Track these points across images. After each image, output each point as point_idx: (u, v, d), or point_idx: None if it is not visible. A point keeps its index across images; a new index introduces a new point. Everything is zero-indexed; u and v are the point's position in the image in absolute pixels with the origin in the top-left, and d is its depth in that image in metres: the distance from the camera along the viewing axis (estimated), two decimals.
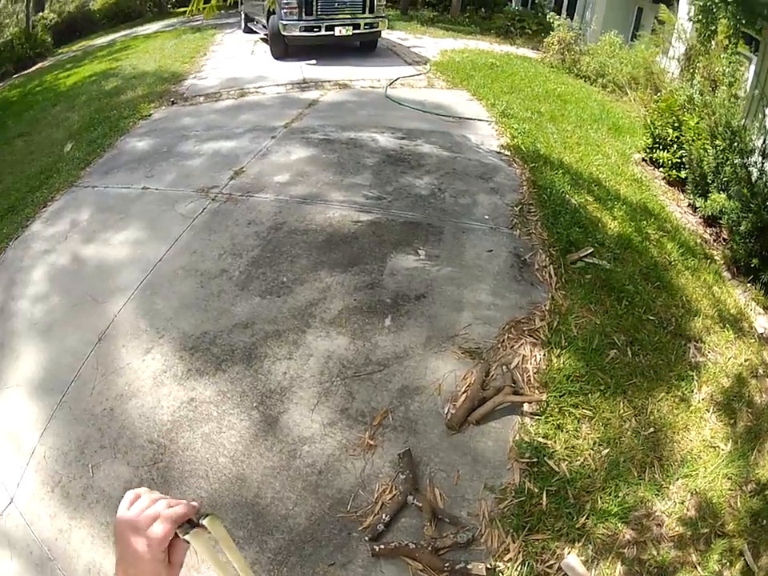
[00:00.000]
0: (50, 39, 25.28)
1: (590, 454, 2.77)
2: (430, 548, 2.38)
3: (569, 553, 2.39)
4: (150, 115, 7.73)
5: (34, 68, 20.68)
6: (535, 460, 2.71)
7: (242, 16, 13.60)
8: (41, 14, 29.44)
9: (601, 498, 2.59)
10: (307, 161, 5.55)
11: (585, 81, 9.93)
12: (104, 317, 3.86)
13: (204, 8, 3.85)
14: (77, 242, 4.83)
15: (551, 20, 10.87)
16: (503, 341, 3.32)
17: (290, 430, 2.98)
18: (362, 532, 2.52)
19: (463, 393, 3.00)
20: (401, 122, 6.60)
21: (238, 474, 2.83)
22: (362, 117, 6.76)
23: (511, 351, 3.26)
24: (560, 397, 2.98)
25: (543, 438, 2.80)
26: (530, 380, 3.08)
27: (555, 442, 2.80)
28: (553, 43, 10.54)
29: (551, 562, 2.39)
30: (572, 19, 12.56)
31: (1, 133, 10.16)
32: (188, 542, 0.76)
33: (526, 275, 3.94)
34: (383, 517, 2.52)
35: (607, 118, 7.72)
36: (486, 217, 4.60)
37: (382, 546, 2.42)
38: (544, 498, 2.56)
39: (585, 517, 2.51)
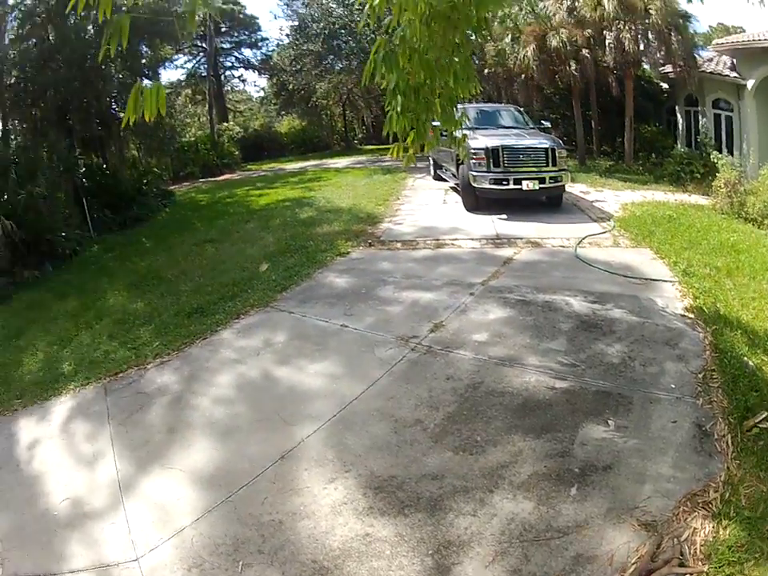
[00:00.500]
0: (237, 152, 31.35)
1: None
2: None
3: None
4: (348, 253, 9.77)
5: (221, 177, 25.61)
6: None
7: (431, 162, 16.52)
8: (225, 124, 36.89)
9: None
10: (505, 321, 6.72)
11: (753, 224, 11.11)
12: (290, 438, 4.99)
13: (403, 156, 5.09)
14: (269, 361, 6.31)
15: (715, 160, 12.83)
16: (678, 513, 3.87)
17: None
18: None
19: (633, 564, 3.54)
20: (592, 284, 7.74)
21: None
22: (555, 278, 7.97)
23: (684, 524, 3.78)
24: (719, 567, 3.41)
25: None
26: (696, 552, 3.54)
27: None
28: (720, 186, 12.13)
29: None
30: (732, 154, 14.41)
31: (191, 234, 13.12)
32: None
33: (705, 446, 4.51)
34: None
35: None
36: (672, 386, 5.30)
37: None
38: None
39: None
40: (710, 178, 13.45)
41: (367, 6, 4.04)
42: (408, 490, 4.33)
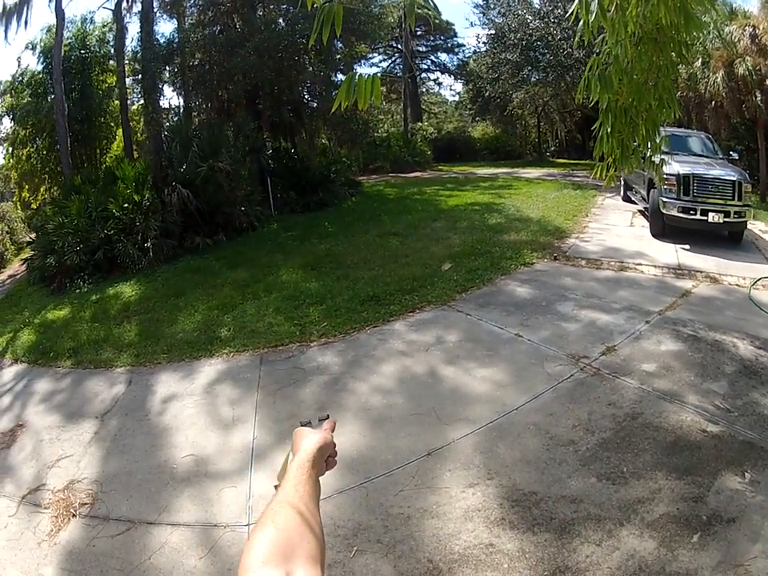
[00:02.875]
0: (429, 152, 32.48)
1: None
2: None
3: None
4: (532, 264, 9.88)
5: (411, 174, 26.66)
6: None
7: (622, 182, 16.49)
8: (419, 123, 38.51)
9: None
10: (674, 355, 6.55)
11: None
12: (441, 437, 5.14)
13: (605, 176, 5.11)
14: (437, 359, 6.55)
15: None
16: None
17: None
18: None
19: None
20: (760, 329, 7.30)
21: None
22: (727, 317, 7.64)
23: None
24: None
25: None
26: None
27: None
28: None
29: None
30: None
31: (376, 224, 13.81)
32: None
33: None
34: None
35: None
36: None
37: None
38: None
39: None
40: None
41: (581, 22, 4.09)
42: (544, 508, 4.35)
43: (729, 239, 11.85)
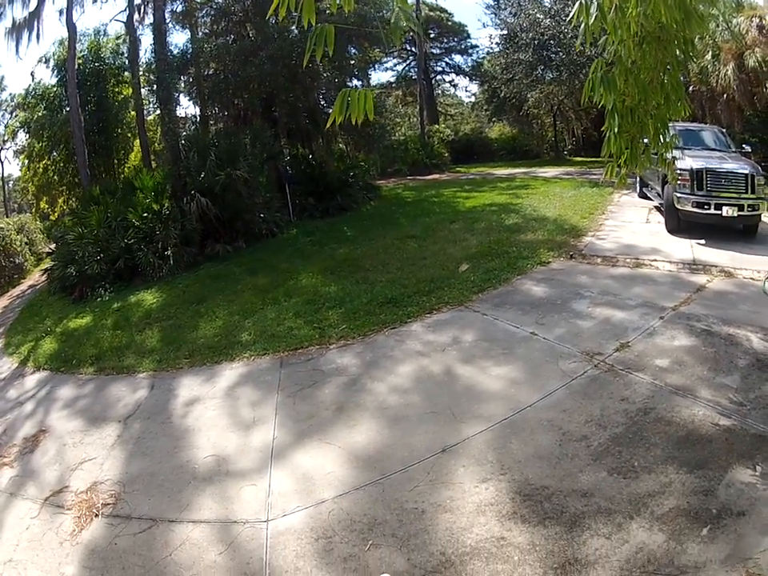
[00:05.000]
0: (447, 154, 32.73)
1: None
2: None
3: None
4: (548, 263, 10.00)
5: (429, 177, 26.89)
6: None
7: (638, 179, 16.63)
8: (436, 126, 38.86)
9: None
10: (687, 350, 6.63)
11: None
12: (457, 434, 5.29)
13: (616, 176, 5.25)
14: (453, 358, 6.72)
15: None
16: None
17: None
18: None
19: None
20: None
21: None
22: (741, 311, 7.71)
23: None
24: None
25: None
26: None
27: None
28: None
29: None
30: None
31: (394, 228, 13.99)
32: None
33: None
34: None
35: None
36: None
37: None
38: None
39: None
40: None
41: (582, 25, 4.24)
42: (555, 502, 4.48)
43: (744, 233, 11.92)
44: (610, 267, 9.81)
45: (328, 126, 3.58)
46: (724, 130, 15.30)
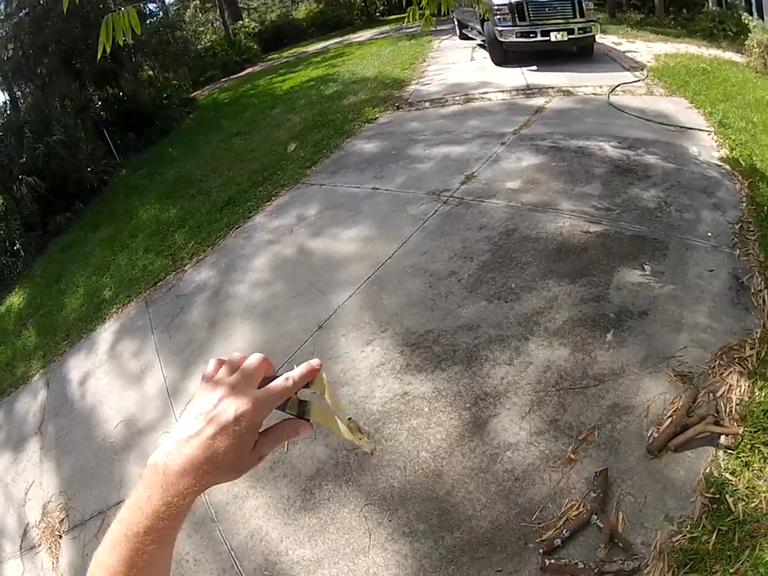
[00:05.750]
0: (256, 46, 31.65)
1: (765, 497, 3.14)
2: (596, 570, 2.99)
3: None
4: (375, 119, 10.00)
5: (243, 73, 26.01)
6: (717, 496, 3.15)
7: (456, 23, 16.88)
8: (240, 22, 37.25)
9: (761, 545, 2.94)
10: (537, 168, 6.83)
11: None
12: (327, 307, 5.31)
13: (421, 18, 5.18)
14: (303, 236, 6.68)
15: (746, 21, 12.75)
16: (714, 367, 3.91)
17: (497, 435, 3.77)
18: (539, 544, 3.15)
19: (668, 417, 3.59)
20: (625, 130, 7.78)
21: (436, 470, 3.67)
22: (588, 125, 8.05)
23: (719, 379, 3.82)
24: (754, 432, 3.39)
25: (730, 474, 3.23)
26: (731, 411, 3.59)
27: (739, 479, 3.22)
28: (753, 46, 11.95)
29: None
30: (762, 18, 14.17)
31: (217, 132, 13.63)
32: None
33: (742, 299, 4.52)
34: (563, 532, 3.14)
35: None
36: (709, 234, 5.35)
37: (552, 561, 3.09)
38: (713, 538, 3.01)
39: (741, 563, 2.90)
40: (743, 37, 13.23)
41: None
42: (444, 344, 4.56)
43: (579, 55, 12.20)
44: (440, 108, 9.92)
45: (99, 56, 3.40)
46: None
